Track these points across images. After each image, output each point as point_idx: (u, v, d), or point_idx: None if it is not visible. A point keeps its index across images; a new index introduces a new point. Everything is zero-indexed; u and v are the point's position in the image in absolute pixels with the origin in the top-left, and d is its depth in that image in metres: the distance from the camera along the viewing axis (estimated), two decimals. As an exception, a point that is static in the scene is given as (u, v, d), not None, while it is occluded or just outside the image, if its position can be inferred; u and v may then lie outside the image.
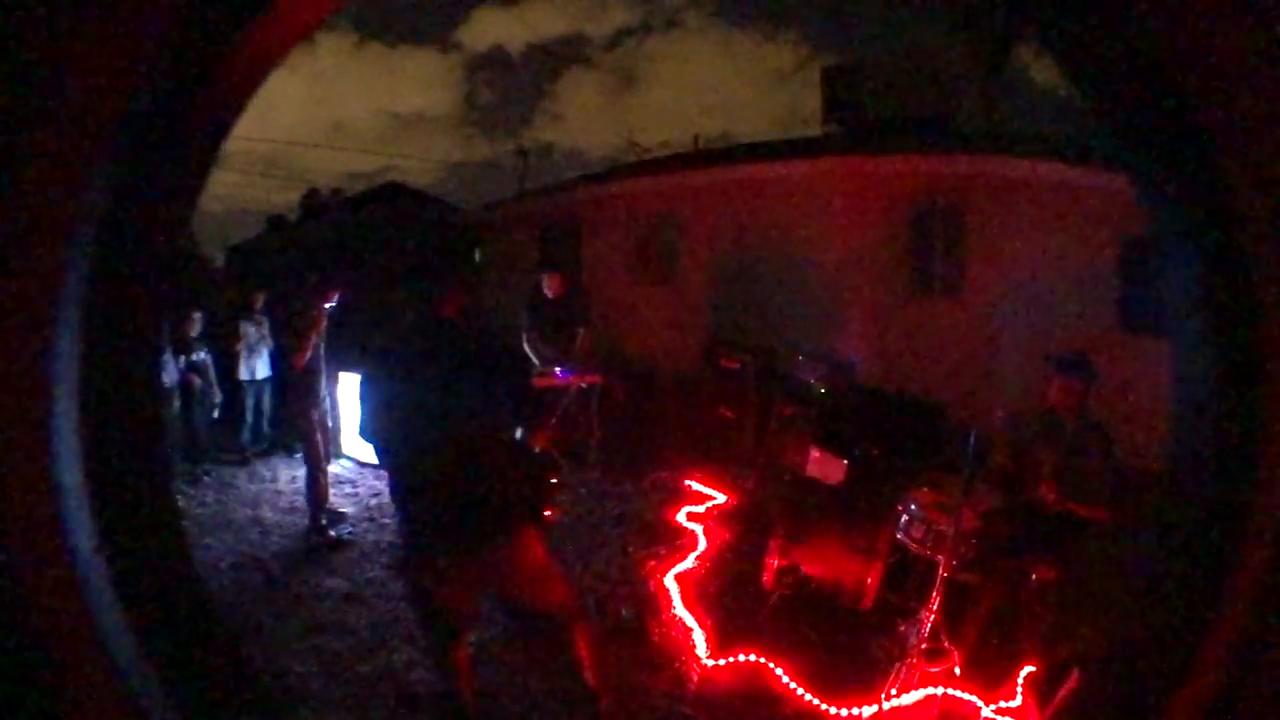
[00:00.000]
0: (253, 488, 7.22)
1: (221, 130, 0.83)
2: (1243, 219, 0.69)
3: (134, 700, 0.73)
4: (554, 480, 2.99)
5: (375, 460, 7.42)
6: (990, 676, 3.59)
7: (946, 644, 3.58)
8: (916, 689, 3.45)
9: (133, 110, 0.69)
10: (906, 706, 3.42)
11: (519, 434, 2.85)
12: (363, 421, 2.87)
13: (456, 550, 2.69)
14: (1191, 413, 0.80)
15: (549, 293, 7.23)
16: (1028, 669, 3.58)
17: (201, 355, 7.74)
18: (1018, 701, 3.49)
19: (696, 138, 17.38)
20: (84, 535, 0.73)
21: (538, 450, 2.92)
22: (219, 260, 24.87)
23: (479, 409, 2.71)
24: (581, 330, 7.31)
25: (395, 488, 2.91)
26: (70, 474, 0.72)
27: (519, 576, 2.77)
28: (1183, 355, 0.81)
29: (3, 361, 0.68)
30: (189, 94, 0.75)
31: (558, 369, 6.89)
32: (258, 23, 0.77)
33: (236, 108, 0.84)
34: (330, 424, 6.25)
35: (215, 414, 8.03)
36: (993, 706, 3.47)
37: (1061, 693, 3.21)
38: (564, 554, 5.01)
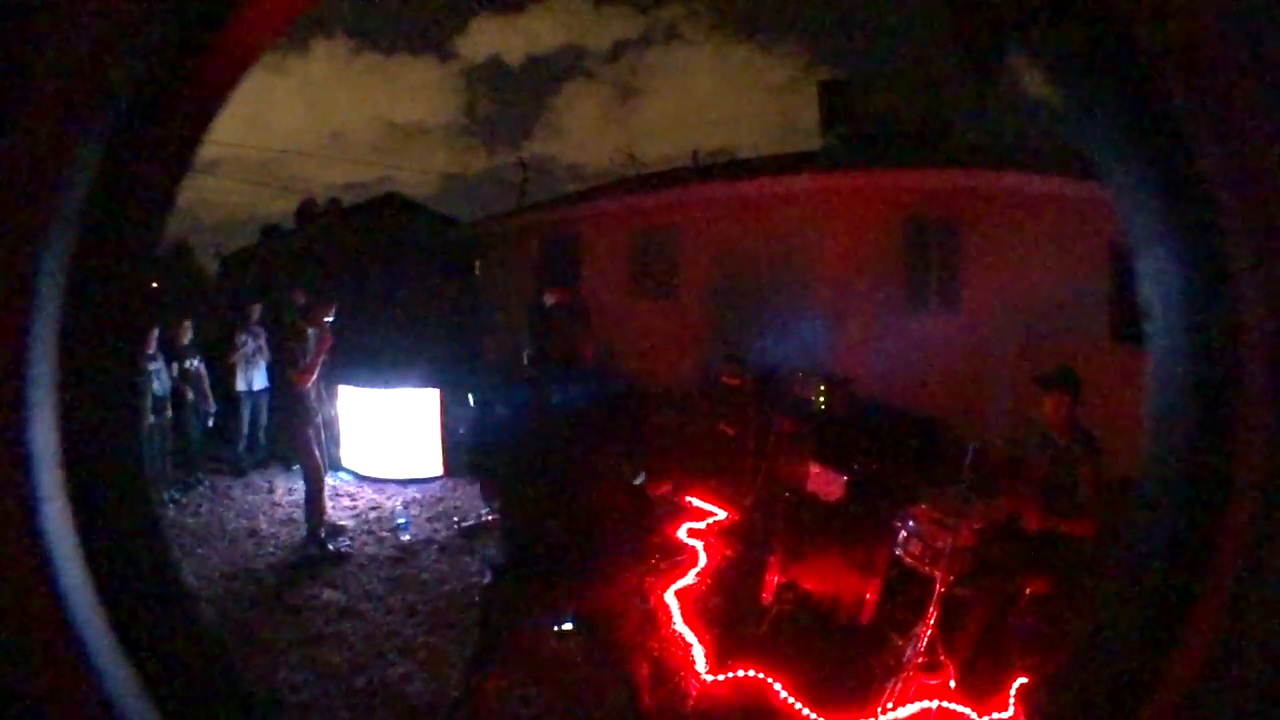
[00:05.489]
0: (249, 498, 7.20)
1: (205, 120, 0.82)
2: (1222, 223, 0.69)
3: (117, 711, 0.72)
4: (655, 526, 2.95)
5: (373, 474, 7.55)
6: (984, 689, 3.61)
7: (942, 657, 3.60)
8: (912, 702, 3.47)
9: (112, 101, 0.68)
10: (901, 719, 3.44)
11: (639, 479, 2.84)
12: (478, 445, 2.88)
13: (550, 580, 2.69)
14: (1167, 419, 0.80)
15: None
16: (1020, 680, 3.60)
17: (194, 363, 7.71)
18: (1010, 712, 3.51)
19: (695, 152, 17.43)
20: (63, 544, 0.71)
21: (652, 496, 2.91)
22: (213, 268, 24.86)
23: (602, 449, 2.72)
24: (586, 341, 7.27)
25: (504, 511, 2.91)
26: (48, 481, 0.70)
27: (602, 609, 2.76)
28: (1159, 361, 0.80)
29: None
30: (171, 83, 0.73)
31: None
32: (243, 8, 0.76)
33: (221, 97, 0.82)
34: (325, 438, 6.24)
35: (209, 423, 8.01)
36: (986, 718, 3.49)
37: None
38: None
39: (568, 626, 2.75)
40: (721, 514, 6.14)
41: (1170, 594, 0.76)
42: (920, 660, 3.53)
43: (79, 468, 0.73)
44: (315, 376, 5.71)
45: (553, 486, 2.68)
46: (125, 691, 0.73)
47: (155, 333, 6.86)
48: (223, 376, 8.01)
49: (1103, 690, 0.82)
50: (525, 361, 2.95)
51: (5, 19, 0.65)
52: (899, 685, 3.51)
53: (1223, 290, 0.71)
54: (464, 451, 2.94)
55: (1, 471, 0.68)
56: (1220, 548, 0.73)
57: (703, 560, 5.28)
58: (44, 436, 0.70)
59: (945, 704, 3.49)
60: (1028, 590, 3.80)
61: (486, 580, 2.87)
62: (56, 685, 0.70)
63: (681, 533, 5.73)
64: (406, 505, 6.89)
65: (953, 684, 3.57)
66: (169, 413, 7.18)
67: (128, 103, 0.69)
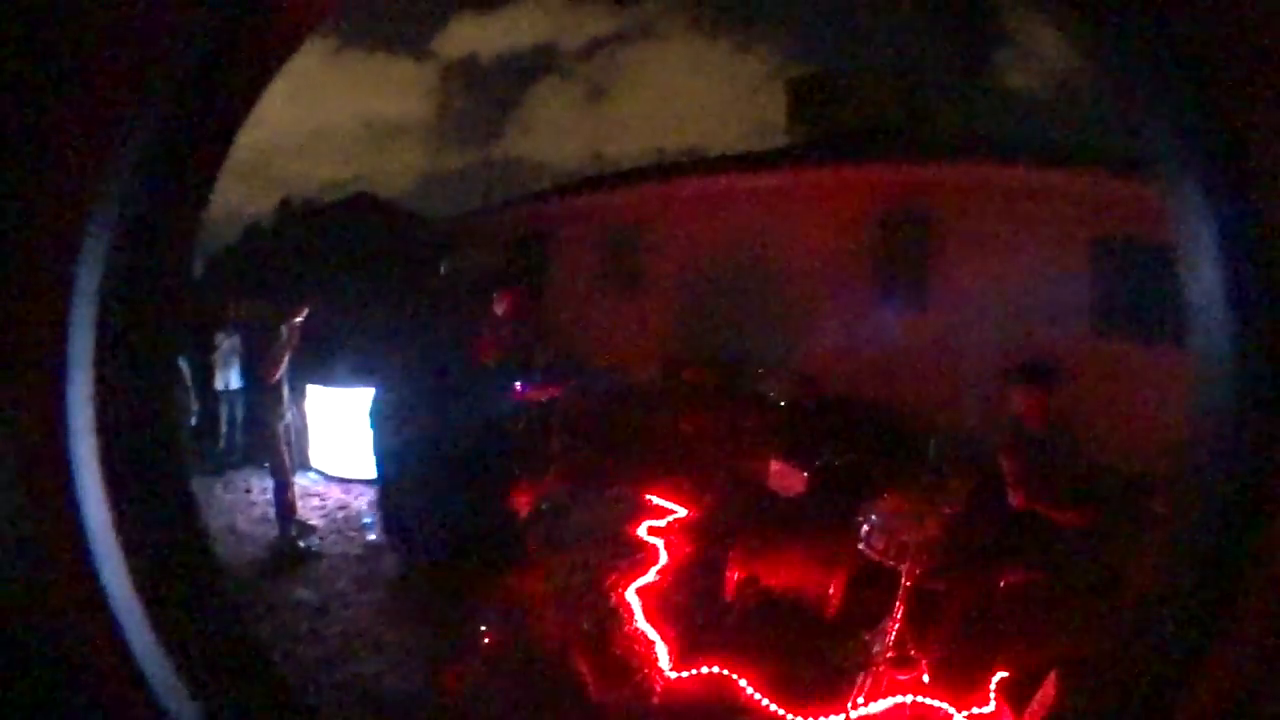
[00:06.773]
0: (227, 497, 7.18)
1: (236, 121, 0.83)
2: (1273, 218, 0.69)
3: (156, 703, 0.74)
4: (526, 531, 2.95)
5: (340, 473, 7.47)
6: (963, 683, 3.57)
7: (913, 652, 3.58)
8: (884, 697, 3.45)
9: (148, 106, 0.69)
10: (874, 715, 3.42)
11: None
12: (383, 442, 2.85)
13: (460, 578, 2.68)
14: (1209, 417, 0.80)
15: (499, 313, 6.71)
16: (1000, 674, 3.55)
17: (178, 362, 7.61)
18: (991, 707, 3.46)
19: (660, 150, 17.32)
20: (105, 540, 0.72)
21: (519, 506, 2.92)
22: (199, 269, 24.48)
23: (495, 446, 2.72)
24: (537, 345, 7.17)
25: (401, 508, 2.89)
26: (89, 481, 0.72)
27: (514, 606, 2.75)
28: (1201, 359, 0.79)
29: (19, 368, 0.69)
30: (205, 84, 0.74)
31: (516, 384, 6.76)
32: (274, 8, 0.78)
33: (252, 98, 0.83)
34: (293, 436, 6.22)
35: (192, 421, 7.92)
36: (965, 713, 3.46)
37: (1038, 696, 3.18)
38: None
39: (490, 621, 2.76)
40: (683, 511, 6.12)
41: (1211, 592, 0.76)
42: (890, 655, 3.52)
43: (117, 458, 0.75)
44: (281, 372, 5.71)
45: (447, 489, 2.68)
46: (157, 667, 0.75)
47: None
48: (203, 375, 7.94)
49: (1141, 687, 0.82)
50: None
51: (43, 23, 0.66)
52: (868, 681, 3.51)
53: (1270, 290, 0.71)
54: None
55: (44, 463, 0.70)
56: (1263, 546, 0.72)
57: (664, 558, 5.25)
58: (84, 437, 0.72)
59: (921, 699, 3.47)
60: (1003, 582, 3.78)
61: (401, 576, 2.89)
62: (92, 664, 0.72)
63: (642, 530, 5.71)
64: (372, 504, 6.85)
65: (926, 679, 3.54)
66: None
67: (168, 100, 0.71)
